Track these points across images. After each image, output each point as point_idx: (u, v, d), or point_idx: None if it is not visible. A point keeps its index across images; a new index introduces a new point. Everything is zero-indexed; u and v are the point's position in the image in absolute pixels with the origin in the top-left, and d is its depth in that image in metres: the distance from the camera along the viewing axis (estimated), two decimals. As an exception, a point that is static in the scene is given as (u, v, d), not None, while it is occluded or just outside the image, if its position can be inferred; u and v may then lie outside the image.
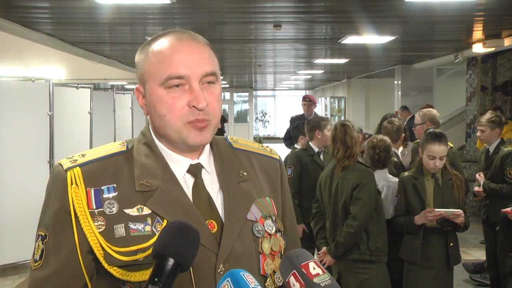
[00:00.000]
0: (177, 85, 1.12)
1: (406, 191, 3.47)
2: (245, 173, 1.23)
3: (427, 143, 3.38)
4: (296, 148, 4.83)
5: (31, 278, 1.13)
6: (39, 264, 1.11)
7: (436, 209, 3.25)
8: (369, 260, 3.32)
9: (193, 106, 1.11)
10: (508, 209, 3.09)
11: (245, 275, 0.93)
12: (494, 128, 4.52)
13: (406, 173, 3.57)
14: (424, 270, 3.36)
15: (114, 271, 1.07)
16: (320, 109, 19.05)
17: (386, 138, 3.82)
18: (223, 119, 17.95)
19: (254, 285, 0.92)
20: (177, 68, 1.11)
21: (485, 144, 4.71)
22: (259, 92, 26.77)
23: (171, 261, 0.92)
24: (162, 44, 1.14)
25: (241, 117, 24.71)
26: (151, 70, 1.14)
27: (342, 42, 7.35)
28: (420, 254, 3.35)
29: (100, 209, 1.10)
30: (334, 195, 3.44)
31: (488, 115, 4.65)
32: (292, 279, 0.95)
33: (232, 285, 0.92)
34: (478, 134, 4.66)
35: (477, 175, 4.49)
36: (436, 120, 4.59)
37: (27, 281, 5.22)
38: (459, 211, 3.24)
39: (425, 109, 4.89)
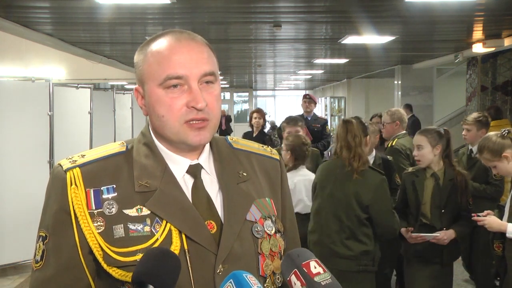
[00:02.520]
0: (176, 85, 1.11)
1: (405, 187, 3.48)
2: (244, 174, 1.23)
3: None
4: None
5: (33, 279, 1.14)
6: (40, 265, 1.11)
7: (420, 234, 3.24)
8: (371, 270, 3.21)
9: (192, 107, 1.11)
10: (475, 214, 3.05)
11: (247, 276, 0.94)
12: (480, 128, 4.33)
13: (410, 169, 3.58)
14: (423, 266, 3.36)
15: (113, 271, 1.07)
16: (320, 109, 19.03)
17: (299, 135, 3.85)
18: (229, 119, 17.91)
19: (257, 287, 0.93)
20: (176, 69, 1.11)
21: (468, 145, 4.50)
22: (259, 92, 26.77)
23: None
24: (160, 44, 1.14)
25: (241, 117, 24.71)
26: (150, 70, 1.14)
27: (342, 42, 7.35)
28: (419, 250, 3.34)
29: (99, 210, 1.10)
30: (338, 200, 3.20)
31: (475, 114, 4.48)
32: (293, 278, 0.95)
33: (235, 287, 0.93)
34: (463, 133, 4.43)
35: None
36: (404, 120, 4.71)
37: (27, 281, 5.18)
38: (440, 235, 3.23)
39: (394, 109, 4.92)
